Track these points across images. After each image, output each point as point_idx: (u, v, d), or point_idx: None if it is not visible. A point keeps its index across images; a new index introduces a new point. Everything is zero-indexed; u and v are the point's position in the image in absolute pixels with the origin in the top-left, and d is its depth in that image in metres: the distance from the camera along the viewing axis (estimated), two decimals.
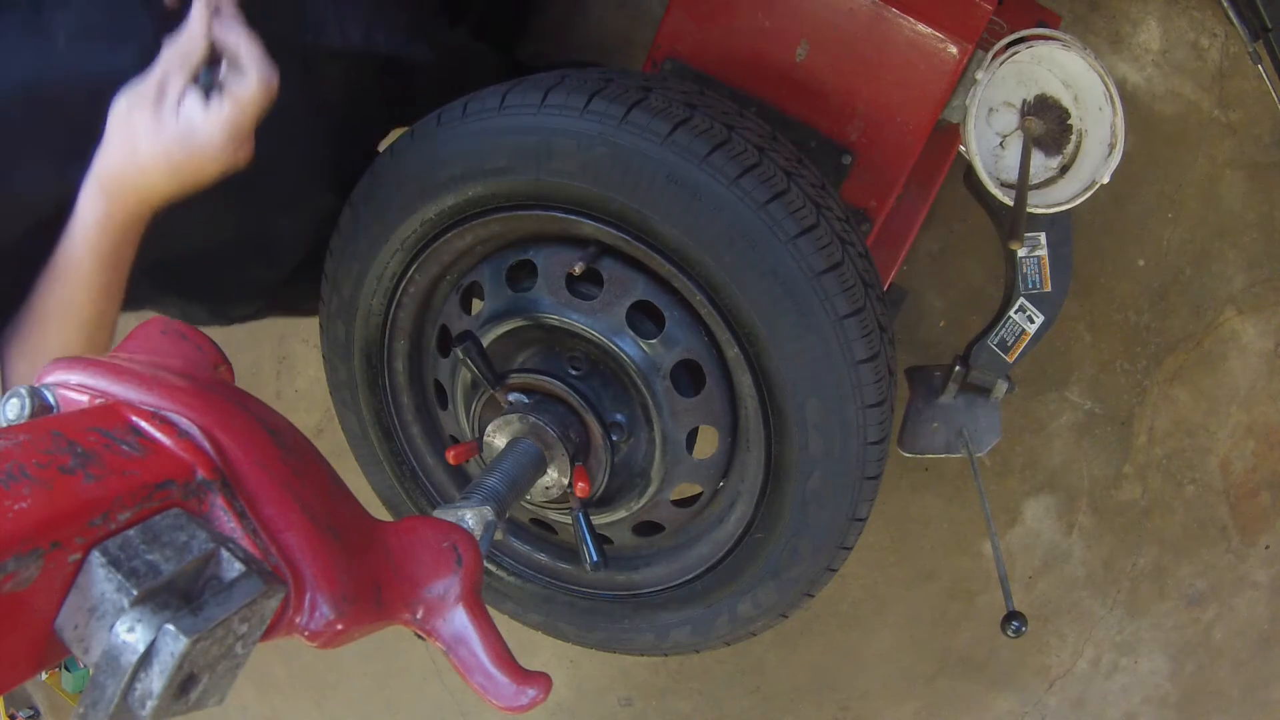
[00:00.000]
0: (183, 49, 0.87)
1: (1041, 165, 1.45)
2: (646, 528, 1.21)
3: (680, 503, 1.19)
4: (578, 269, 1.04)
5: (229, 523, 0.46)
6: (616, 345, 1.05)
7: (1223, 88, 2.06)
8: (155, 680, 0.39)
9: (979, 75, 1.32)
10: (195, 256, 1.14)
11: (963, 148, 1.37)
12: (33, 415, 0.47)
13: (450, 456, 1.07)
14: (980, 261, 2.27)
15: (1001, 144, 1.44)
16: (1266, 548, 2.38)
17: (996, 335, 1.56)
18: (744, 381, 1.05)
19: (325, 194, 1.21)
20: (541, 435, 1.04)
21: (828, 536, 1.06)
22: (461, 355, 1.03)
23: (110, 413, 0.47)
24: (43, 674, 3.52)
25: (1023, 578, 2.50)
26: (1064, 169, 1.44)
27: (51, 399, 0.48)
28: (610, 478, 1.10)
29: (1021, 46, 1.32)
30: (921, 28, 1.28)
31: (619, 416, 1.09)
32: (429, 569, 0.57)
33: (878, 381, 0.99)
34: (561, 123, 0.97)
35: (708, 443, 1.15)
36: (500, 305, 1.11)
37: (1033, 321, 1.55)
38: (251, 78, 0.86)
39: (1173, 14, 2.03)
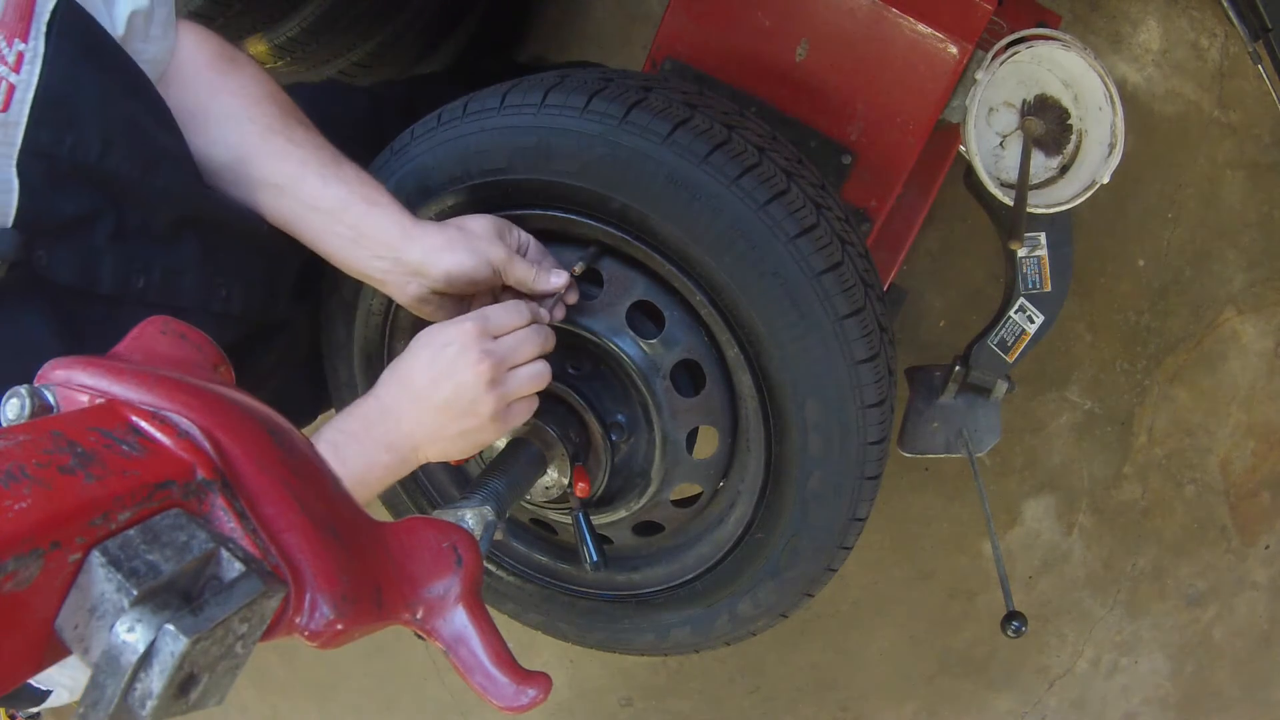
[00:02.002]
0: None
1: (1041, 165, 1.45)
2: (646, 528, 1.21)
3: (680, 503, 1.19)
4: (578, 269, 1.04)
5: (229, 523, 0.46)
6: (616, 345, 1.05)
7: (1223, 88, 2.06)
8: (155, 680, 0.39)
9: (979, 75, 1.32)
10: None
11: (963, 148, 1.37)
12: (33, 415, 0.47)
13: None
14: (980, 261, 2.28)
15: (1001, 144, 1.44)
16: (1266, 548, 2.38)
17: (996, 335, 1.56)
18: (744, 381, 1.05)
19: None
20: (541, 435, 1.04)
21: (828, 536, 1.06)
22: None
23: (110, 413, 0.47)
24: None
25: (1023, 578, 2.50)
26: (1064, 169, 1.45)
27: (51, 399, 0.48)
28: (610, 478, 1.10)
29: (1021, 46, 1.32)
30: (921, 28, 1.28)
31: (619, 416, 1.09)
32: (429, 569, 0.57)
33: (878, 381, 0.99)
34: (562, 123, 0.97)
35: (708, 443, 1.14)
36: None
37: (1033, 321, 1.55)
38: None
39: (1173, 14, 2.04)
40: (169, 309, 0.91)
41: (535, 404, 0.97)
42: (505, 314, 0.94)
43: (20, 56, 0.75)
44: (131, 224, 0.86)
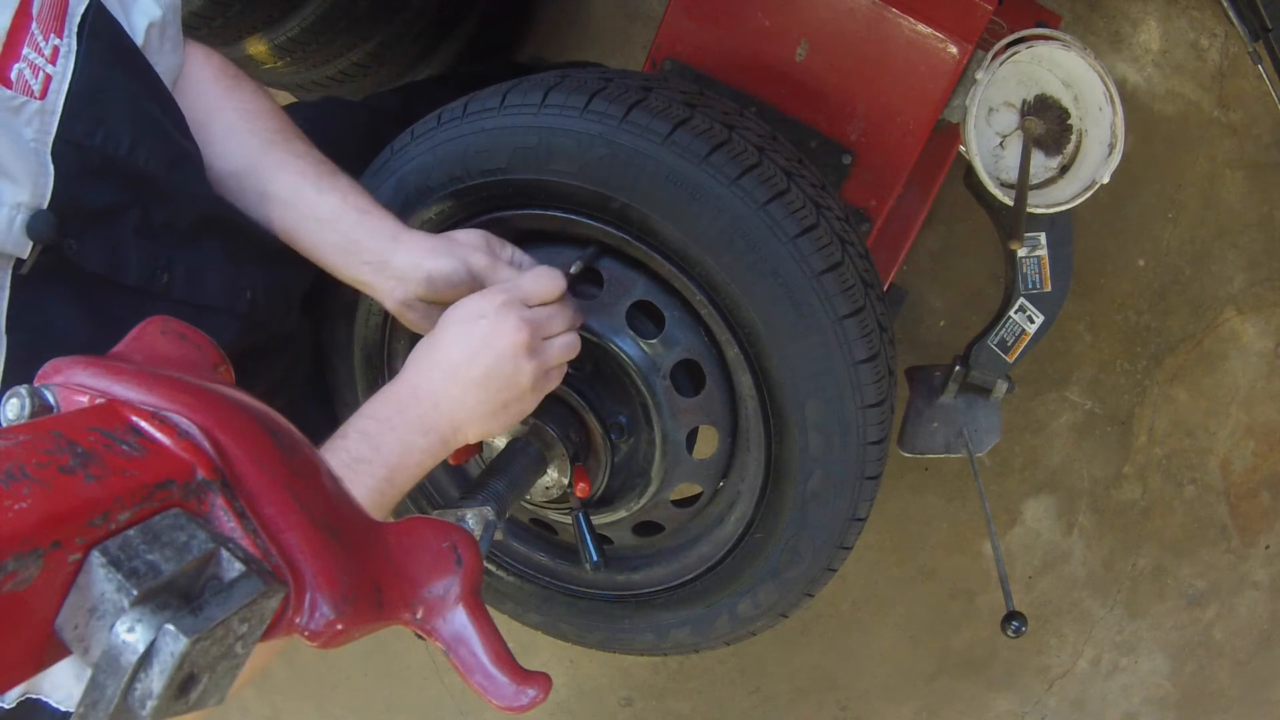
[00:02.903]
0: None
1: (1041, 165, 1.45)
2: (646, 528, 1.21)
3: (680, 503, 1.19)
4: (574, 268, 1.04)
5: (229, 523, 0.46)
6: (616, 345, 1.05)
7: (1223, 88, 2.06)
8: (155, 680, 0.39)
9: (979, 75, 1.32)
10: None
11: (963, 148, 1.37)
12: (33, 415, 0.47)
13: (450, 457, 1.07)
14: (980, 261, 2.28)
15: (1001, 144, 1.44)
16: (1266, 548, 2.38)
17: (996, 335, 1.56)
18: (744, 381, 1.05)
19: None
20: (541, 435, 1.04)
21: (828, 536, 1.06)
22: None
23: (110, 413, 0.47)
24: None
25: (1023, 578, 2.50)
26: (1064, 169, 1.45)
27: (52, 399, 0.48)
28: (610, 478, 1.10)
29: (1021, 46, 1.32)
30: (921, 28, 1.28)
31: (619, 416, 1.09)
32: (429, 569, 0.57)
33: (878, 381, 0.99)
34: (562, 122, 0.97)
35: (708, 443, 1.14)
36: None
37: (1033, 321, 1.55)
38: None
39: (1173, 14, 2.04)
40: (194, 307, 0.92)
41: (564, 373, 0.98)
42: (537, 282, 0.94)
43: (56, 50, 0.79)
44: (156, 220, 0.88)
